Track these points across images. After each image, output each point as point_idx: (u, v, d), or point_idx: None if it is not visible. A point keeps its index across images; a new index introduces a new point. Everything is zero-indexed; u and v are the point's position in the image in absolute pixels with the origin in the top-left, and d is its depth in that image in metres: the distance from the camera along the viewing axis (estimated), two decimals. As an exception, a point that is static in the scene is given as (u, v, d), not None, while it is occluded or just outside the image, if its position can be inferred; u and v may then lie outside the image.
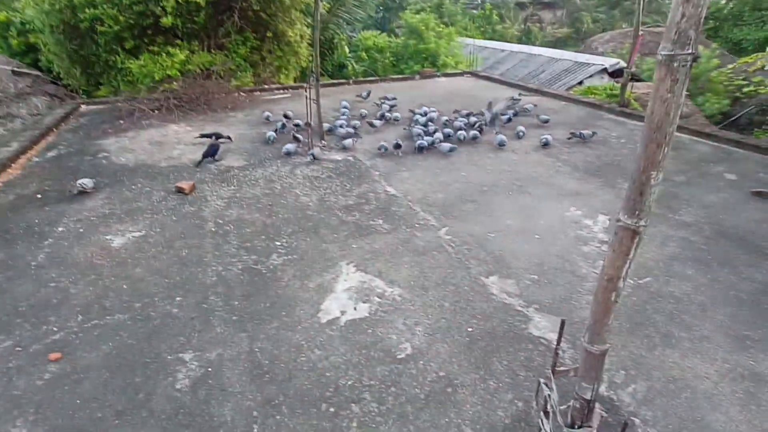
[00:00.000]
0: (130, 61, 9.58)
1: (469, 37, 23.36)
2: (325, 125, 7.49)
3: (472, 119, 8.02)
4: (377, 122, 7.91)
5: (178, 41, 10.03)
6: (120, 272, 4.01)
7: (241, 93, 10.25)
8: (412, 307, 3.55)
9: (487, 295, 3.69)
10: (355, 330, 3.31)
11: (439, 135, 7.12)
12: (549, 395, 2.21)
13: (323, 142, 7.16)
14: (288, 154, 6.70)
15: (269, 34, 10.91)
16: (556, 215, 4.98)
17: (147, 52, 9.70)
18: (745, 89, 11.71)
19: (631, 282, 3.79)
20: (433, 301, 3.62)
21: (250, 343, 3.19)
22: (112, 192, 5.59)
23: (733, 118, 11.65)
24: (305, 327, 3.34)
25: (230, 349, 3.14)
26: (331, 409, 2.68)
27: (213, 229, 4.72)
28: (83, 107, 9.71)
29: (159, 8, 9.35)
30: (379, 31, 17.98)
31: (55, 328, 3.33)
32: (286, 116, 8.21)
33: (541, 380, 2.32)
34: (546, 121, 8.08)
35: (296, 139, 7.00)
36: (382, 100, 9.35)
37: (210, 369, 2.97)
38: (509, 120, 8.02)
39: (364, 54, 15.88)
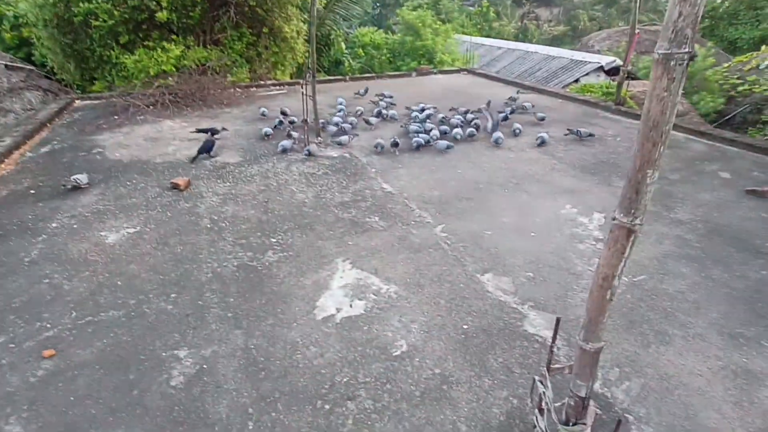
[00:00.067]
0: (125, 56, 9.50)
1: (466, 34, 23.33)
2: (321, 122, 7.47)
3: (469, 116, 8.02)
4: (374, 119, 7.89)
5: (174, 36, 9.96)
6: (114, 269, 3.98)
7: (237, 89, 10.20)
8: (407, 304, 3.55)
9: (483, 292, 3.70)
10: (350, 327, 3.31)
11: (435, 132, 7.12)
12: (544, 392, 2.22)
13: (319, 138, 7.14)
14: (284, 150, 6.68)
15: (265, 30, 10.85)
16: (552, 213, 4.99)
17: (142, 47, 9.62)
18: (740, 88, 11.78)
19: (626, 280, 3.81)
20: (429, 298, 3.62)
21: (245, 340, 3.18)
22: (107, 188, 5.55)
23: (727, 117, 11.72)
24: (301, 324, 3.34)
25: (225, 345, 3.13)
26: (327, 406, 2.68)
27: (208, 226, 4.70)
28: (77, 102, 9.62)
29: (154, 3, 9.26)
30: (375, 28, 17.95)
31: (48, 325, 3.31)
32: (283, 113, 8.19)
33: (536, 377, 2.33)
34: (542, 119, 8.09)
35: (290, 136, 6.98)
36: (380, 97, 9.34)
37: (205, 366, 2.96)
38: (506, 118, 8.01)
39: (360, 50, 15.84)
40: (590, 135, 7.22)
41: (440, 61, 15.38)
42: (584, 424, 2.17)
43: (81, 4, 9.06)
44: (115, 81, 9.98)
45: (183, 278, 3.86)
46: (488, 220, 4.83)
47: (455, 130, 7.27)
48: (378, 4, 26.00)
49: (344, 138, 7.03)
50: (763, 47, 12.77)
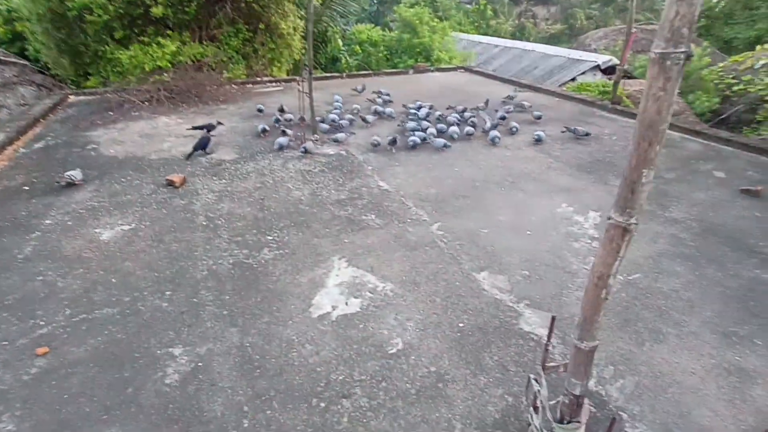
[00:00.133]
0: (120, 52, 9.43)
1: (463, 32, 23.31)
2: (318, 119, 7.45)
3: (467, 115, 8.01)
4: (370, 117, 7.87)
5: (169, 32, 9.89)
6: (109, 266, 3.96)
7: (233, 85, 10.14)
8: (403, 302, 3.55)
9: (479, 290, 3.70)
10: (346, 325, 3.31)
11: (432, 130, 7.11)
12: (539, 390, 2.23)
13: (316, 136, 7.12)
14: (280, 147, 6.66)
15: (262, 26, 10.79)
16: (548, 211, 5.00)
17: (137, 42, 9.55)
18: (735, 88, 11.82)
19: (621, 278, 3.82)
20: (425, 296, 3.63)
21: (240, 337, 3.18)
22: (101, 184, 5.52)
23: (722, 116, 11.76)
24: (296, 322, 3.33)
25: (220, 343, 3.12)
26: (322, 404, 2.68)
27: (204, 223, 4.68)
28: (72, 98, 9.54)
29: (149, -2, 9.21)
30: (373, 25, 17.86)
31: (42, 322, 3.29)
32: (281, 110, 8.15)
33: (531, 376, 2.34)
34: (539, 118, 8.10)
35: (285, 134, 6.96)
36: (377, 95, 9.31)
37: (200, 364, 2.95)
38: (503, 118, 8.01)
39: (357, 47, 15.78)
40: (586, 134, 7.23)
41: (437, 58, 15.35)
42: (579, 422, 2.17)
43: (75, -1, 8.99)
44: (110, 77, 9.90)
45: (178, 276, 3.84)
46: (484, 218, 4.83)
47: (451, 128, 7.26)
48: (375, 1, 25.91)
49: (341, 135, 7.01)
50: (758, 47, 12.80)
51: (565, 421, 2.19)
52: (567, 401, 2.16)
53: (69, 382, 2.81)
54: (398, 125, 7.72)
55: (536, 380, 2.28)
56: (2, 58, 10.13)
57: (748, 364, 2.99)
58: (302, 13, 11.64)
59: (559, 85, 13.59)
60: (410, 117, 7.91)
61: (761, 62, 11.81)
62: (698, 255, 4.22)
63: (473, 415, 2.61)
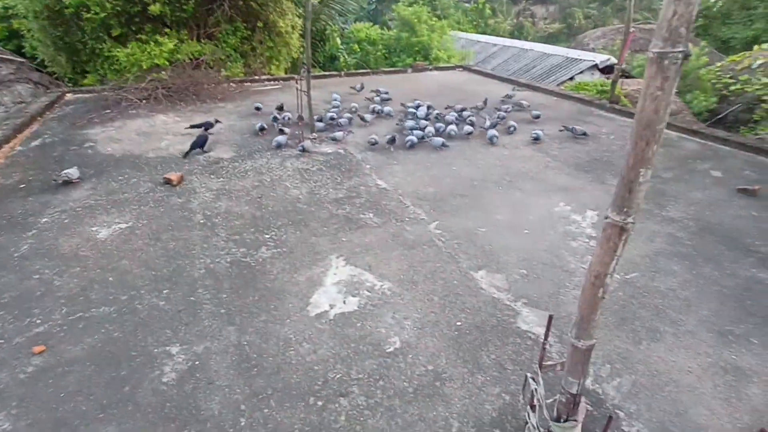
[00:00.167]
0: (117, 49, 9.40)
1: (462, 30, 23.30)
2: (316, 117, 7.44)
3: (465, 114, 8.00)
4: (369, 116, 7.87)
5: (167, 30, 9.86)
6: (106, 264, 3.95)
7: (231, 84, 10.12)
8: (401, 300, 3.56)
9: (476, 289, 3.71)
10: (344, 323, 3.31)
11: (430, 129, 7.10)
12: (536, 389, 2.23)
13: (314, 134, 7.11)
14: (278, 146, 6.65)
15: (260, 24, 10.77)
16: (546, 210, 5.01)
17: (134, 40, 9.52)
18: (732, 87, 11.86)
19: (618, 277, 3.83)
20: (423, 295, 3.63)
21: (238, 336, 3.17)
22: (98, 182, 5.50)
23: (720, 116, 11.80)
24: (294, 320, 3.33)
25: (218, 342, 3.12)
26: (319, 403, 2.67)
27: (201, 221, 4.67)
28: (69, 96, 9.50)
29: (147, -5, 9.17)
30: (371, 23, 17.84)
31: (38, 321, 3.28)
32: (280, 108, 8.13)
33: (528, 374, 2.34)
34: (537, 117, 8.10)
35: (283, 132, 6.95)
36: (375, 93, 9.30)
37: (197, 362, 2.95)
38: (502, 118, 8.01)
39: (356, 46, 15.75)
40: (584, 133, 7.23)
41: (436, 57, 15.34)
42: (575, 420, 2.18)
43: (72, -4, 8.95)
44: (108, 74, 9.87)
45: (175, 274, 3.83)
46: (482, 217, 4.83)
47: (450, 127, 7.26)
48: (374, 0, 25.89)
49: (339, 134, 7.00)
50: (756, 47, 12.85)
51: (562, 420, 2.19)
52: (564, 400, 2.16)
53: (66, 381, 2.80)
54: (396, 124, 7.71)
55: (533, 379, 2.29)
56: (-1, 55, 10.07)
57: (744, 363, 3.00)
58: (300, 11, 11.61)
59: (558, 85, 13.61)
60: (409, 116, 7.91)
61: (758, 62, 11.85)
62: (695, 254, 4.23)
63: (470, 414, 2.61)
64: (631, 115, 8.08)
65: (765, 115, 10.49)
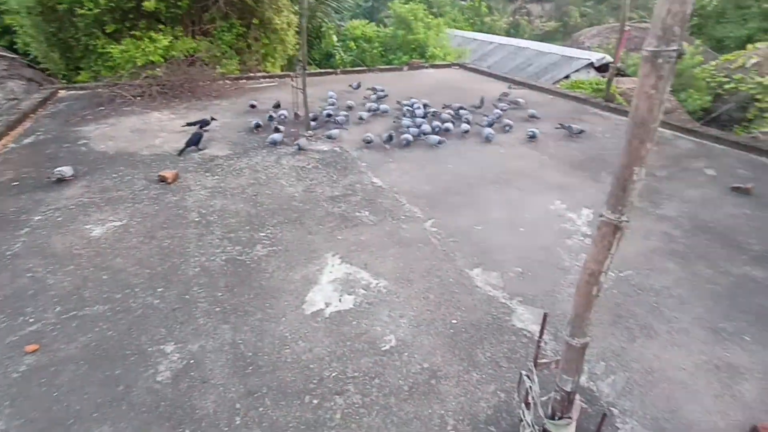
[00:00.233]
0: (111, 46, 9.33)
1: (458, 28, 23.29)
2: (312, 115, 7.41)
3: (462, 112, 7.99)
4: (365, 114, 7.85)
5: (161, 26, 9.79)
6: (100, 262, 3.93)
7: (227, 81, 10.07)
8: (397, 299, 3.56)
9: (472, 287, 3.71)
10: (339, 322, 3.31)
11: (426, 127, 7.09)
12: (530, 387, 2.24)
13: (309, 132, 7.09)
14: (274, 143, 6.62)
15: (255, 21, 10.72)
16: (541, 208, 5.02)
17: (129, 36, 9.45)
18: (726, 86, 11.94)
19: (613, 275, 3.85)
20: (418, 293, 3.63)
21: (233, 334, 3.16)
22: (92, 180, 5.46)
23: (714, 115, 11.87)
24: (289, 319, 3.32)
25: (213, 340, 3.11)
26: (315, 401, 2.67)
27: (196, 219, 4.65)
28: (62, 92, 9.42)
29: (141, -9, 9.10)
30: (367, 21, 17.79)
31: (31, 319, 3.26)
32: (277, 106, 8.10)
33: (523, 372, 2.35)
34: (533, 115, 8.11)
35: (278, 130, 6.92)
36: (371, 91, 9.28)
37: (192, 361, 2.94)
38: (498, 116, 8.01)
39: (352, 43, 15.71)
40: (580, 131, 7.24)
41: (432, 55, 15.32)
42: (570, 418, 2.19)
43: (65, -8, 8.86)
44: (102, 71, 9.78)
45: (170, 272, 3.81)
46: (478, 215, 4.84)
47: (446, 124, 7.25)
48: (370, -3, 25.86)
49: (335, 132, 6.98)
50: (750, 46, 12.93)
51: (557, 417, 2.20)
52: (558, 397, 2.17)
53: (59, 380, 2.78)
54: (393, 122, 7.70)
55: (528, 376, 2.30)
56: (-9, 51, 9.98)
57: (736, 360, 3.03)
58: (296, 8, 11.55)
59: (553, 83, 13.62)
60: (404, 114, 7.90)
61: (752, 61, 11.92)
62: (689, 252, 4.26)
63: (466, 411, 2.62)
64: (626, 113, 8.06)
65: (758, 113, 10.57)
